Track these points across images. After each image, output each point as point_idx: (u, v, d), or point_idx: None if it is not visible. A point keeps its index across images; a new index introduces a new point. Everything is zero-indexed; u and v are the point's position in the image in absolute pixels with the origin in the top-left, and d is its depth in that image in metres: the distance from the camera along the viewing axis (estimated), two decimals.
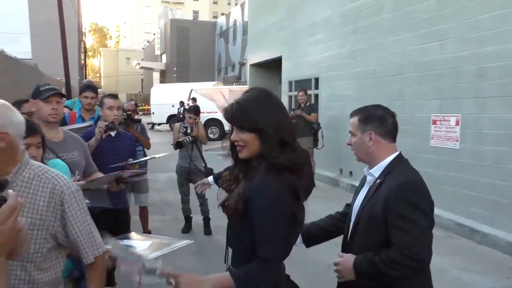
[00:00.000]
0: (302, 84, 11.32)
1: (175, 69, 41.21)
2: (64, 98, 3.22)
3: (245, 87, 18.31)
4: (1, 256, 1.14)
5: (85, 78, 34.45)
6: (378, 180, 2.09)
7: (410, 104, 7.70)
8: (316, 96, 11.13)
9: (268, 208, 1.69)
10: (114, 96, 4.20)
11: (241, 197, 1.74)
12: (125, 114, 5.59)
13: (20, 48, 13.81)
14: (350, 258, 2.07)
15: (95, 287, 1.86)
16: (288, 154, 1.76)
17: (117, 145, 3.97)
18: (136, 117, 6.13)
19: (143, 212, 6.04)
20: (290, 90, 12.82)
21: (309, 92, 10.57)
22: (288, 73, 12.91)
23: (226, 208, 1.80)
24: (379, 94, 8.45)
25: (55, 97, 3.04)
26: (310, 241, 2.37)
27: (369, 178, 2.17)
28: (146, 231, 5.83)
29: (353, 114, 2.21)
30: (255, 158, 1.80)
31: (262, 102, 1.79)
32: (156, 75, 49.20)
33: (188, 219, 6.41)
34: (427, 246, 1.93)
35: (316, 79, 11.16)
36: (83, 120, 4.62)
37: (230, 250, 1.90)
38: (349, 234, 2.19)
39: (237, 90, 20.23)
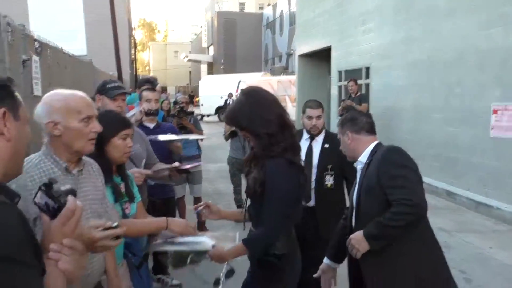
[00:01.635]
0: (352, 74, 11.10)
1: (222, 61, 41.53)
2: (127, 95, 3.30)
3: (293, 78, 18.16)
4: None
5: (135, 72, 35.35)
6: (367, 161, 2.36)
7: (469, 92, 7.37)
8: (367, 86, 10.90)
9: (277, 184, 2.12)
10: (152, 89, 4.23)
11: (257, 180, 2.16)
12: (178, 106, 5.71)
13: (76, 45, 14.39)
14: (359, 232, 2.27)
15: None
16: (287, 138, 2.18)
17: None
18: (189, 109, 6.23)
19: (198, 203, 6.15)
20: (340, 80, 12.62)
21: (359, 82, 10.36)
22: (338, 63, 12.69)
23: (247, 190, 2.23)
24: (435, 83, 8.16)
25: (120, 95, 3.13)
26: (338, 258, 2.63)
27: (359, 167, 2.43)
28: (200, 221, 5.94)
29: (342, 109, 2.65)
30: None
31: (241, 103, 2.21)
32: (203, 67, 49.81)
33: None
34: (419, 194, 2.16)
35: (367, 69, 10.91)
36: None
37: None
38: (353, 218, 2.41)
39: (285, 81, 20.11)
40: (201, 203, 2.47)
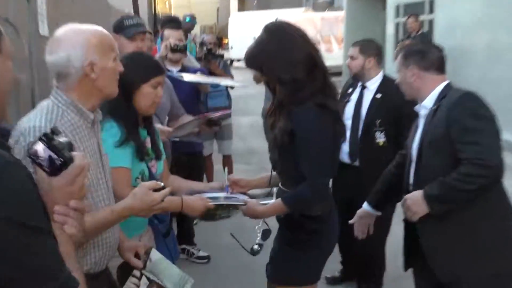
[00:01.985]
0: (413, 8, 10.96)
1: None
2: (147, 34, 3.29)
3: (340, 14, 17.71)
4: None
5: (154, 10, 35.22)
6: (434, 107, 2.29)
7: None
8: (431, 22, 10.71)
9: (309, 132, 2.15)
10: (175, 27, 4.15)
11: (284, 130, 2.19)
12: (205, 48, 5.67)
13: None
14: (417, 191, 2.23)
15: None
16: (317, 81, 2.18)
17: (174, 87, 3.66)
18: (218, 52, 6.16)
19: (227, 162, 6.24)
20: (397, 16, 12.40)
21: (421, 17, 10.16)
22: None
23: (274, 143, 2.27)
24: None
25: (140, 34, 3.12)
26: (380, 206, 2.71)
27: (422, 112, 2.39)
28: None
29: (399, 52, 2.51)
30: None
31: (262, 43, 2.21)
32: (233, 3, 49.06)
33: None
34: (497, 152, 2.11)
35: (431, 2, 10.72)
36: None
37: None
38: (411, 171, 2.38)
39: (331, 18, 19.63)
40: (226, 181, 2.48)
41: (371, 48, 3.52)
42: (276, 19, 2.52)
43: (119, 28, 3.16)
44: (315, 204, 2.25)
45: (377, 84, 3.47)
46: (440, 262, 2.29)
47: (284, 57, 2.16)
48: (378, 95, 3.43)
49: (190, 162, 4.08)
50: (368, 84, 3.49)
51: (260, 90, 6.56)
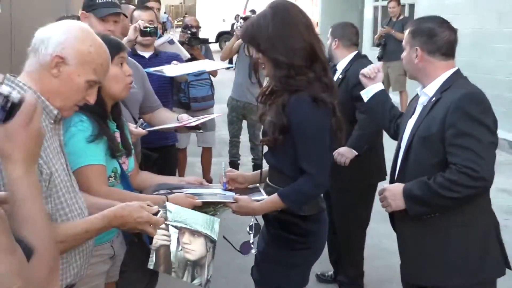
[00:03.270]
0: None
1: None
2: (121, 15, 3.08)
3: None
4: (35, 164, 1.26)
5: None
6: (434, 98, 2.25)
7: None
8: (412, 6, 10.83)
9: (305, 124, 2.15)
10: (146, 7, 4.00)
11: (275, 125, 2.17)
12: (189, 32, 5.36)
13: None
14: (398, 184, 2.26)
15: None
16: (315, 73, 2.16)
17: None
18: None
19: (206, 155, 5.94)
20: None
21: (402, 1, 10.09)
22: None
23: (267, 142, 2.25)
24: (505, 0, 7.83)
25: (113, 15, 2.94)
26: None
27: (422, 98, 2.35)
28: (207, 178, 5.73)
29: (408, 25, 2.48)
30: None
31: (265, 19, 2.18)
32: None
33: (234, 166, 6.19)
34: (489, 164, 2.08)
35: None
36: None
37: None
38: (399, 161, 2.38)
39: (305, 1, 19.51)
40: (224, 177, 2.44)
41: (337, 30, 3.70)
42: (247, 1, 2.34)
43: (89, 6, 2.97)
44: (313, 199, 2.27)
45: (344, 65, 3.60)
46: (415, 270, 2.32)
47: (284, 40, 2.15)
48: (341, 76, 3.57)
49: (161, 157, 3.67)
50: (338, 66, 3.64)
51: (230, 76, 6.23)
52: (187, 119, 2.89)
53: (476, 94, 2.22)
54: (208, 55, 5.61)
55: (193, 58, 4.96)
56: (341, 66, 3.61)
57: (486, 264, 2.21)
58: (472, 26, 8.67)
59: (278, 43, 2.14)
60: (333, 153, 2.53)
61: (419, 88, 2.40)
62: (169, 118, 2.99)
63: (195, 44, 5.12)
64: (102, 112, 2.12)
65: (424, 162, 2.22)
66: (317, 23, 16.66)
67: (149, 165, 2.95)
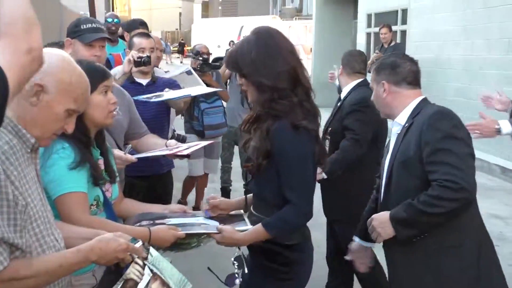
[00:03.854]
0: (385, 18, 11.02)
1: (220, 0, 40.86)
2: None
3: (309, 23, 17.75)
4: None
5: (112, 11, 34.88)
6: (407, 124, 2.29)
7: None
8: (403, 33, 10.82)
9: (287, 152, 2.13)
10: (146, 35, 3.94)
11: (259, 150, 2.16)
12: (200, 58, 5.39)
13: None
14: (384, 212, 2.26)
15: None
16: (298, 96, 2.16)
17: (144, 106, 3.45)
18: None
19: (203, 180, 5.98)
20: (369, 26, 12.51)
21: (394, 28, 10.20)
22: (367, 3, 12.57)
23: (251, 169, 2.23)
24: (494, 29, 7.93)
25: (99, 40, 2.93)
26: (367, 236, 2.53)
27: (395, 129, 2.38)
28: (199, 204, 5.80)
29: (372, 64, 2.46)
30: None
31: (248, 44, 2.20)
32: (197, 8, 49.11)
33: (226, 192, 6.26)
34: (469, 174, 2.07)
35: (404, 11, 10.82)
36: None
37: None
38: (382, 192, 2.40)
39: (299, 27, 19.70)
40: (206, 204, 2.46)
41: (344, 57, 3.75)
42: (241, 27, 2.39)
43: (75, 32, 2.95)
44: (298, 228, 2.25)
45: (345, 93, 3.63)
46: None
47: (268, 63, 2.15)
48: (339, 104, 3.63)
49: (154, 186, 3.60)
50: (342, 93, 3.69)
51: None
52: (175, 145, 2.85)
53: (446, 111, 2.25)
54: (219, 81, 5.61)
55: (206, 85, 4.86)
56: (343, 93, 3.63)
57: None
58: (462, 53, 8.75)
59: (261, 67, 2.14)
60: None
61: (391, 123, 2.42)
62: (157, 144, 2.92)
63: (207, 70, 5.12)
64: (86, 139, 2.10)
65: (406, 186, 2.23)
66: (311, 48, 16.80)
67: (134, 193, 2.90)
